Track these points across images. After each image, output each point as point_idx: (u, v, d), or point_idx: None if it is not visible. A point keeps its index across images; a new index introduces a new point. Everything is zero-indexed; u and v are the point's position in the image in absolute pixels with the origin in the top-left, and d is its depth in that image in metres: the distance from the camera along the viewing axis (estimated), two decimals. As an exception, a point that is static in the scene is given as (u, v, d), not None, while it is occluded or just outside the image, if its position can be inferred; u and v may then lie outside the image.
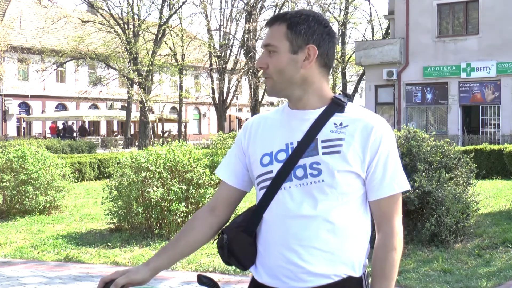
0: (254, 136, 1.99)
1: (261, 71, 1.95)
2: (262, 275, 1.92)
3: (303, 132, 1.88)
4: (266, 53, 1.90)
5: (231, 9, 33.65)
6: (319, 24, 1.89)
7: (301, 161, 1.86)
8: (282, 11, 32.18)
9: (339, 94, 1.96)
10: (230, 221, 2.04)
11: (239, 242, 1.94)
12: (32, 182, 9.85)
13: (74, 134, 36.61)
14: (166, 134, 39.01)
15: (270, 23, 1.93)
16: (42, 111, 42.87)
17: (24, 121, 41.93)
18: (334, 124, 1.87)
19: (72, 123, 39.85)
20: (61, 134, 38.01)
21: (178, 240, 2.00)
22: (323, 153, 1.84)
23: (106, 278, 1.89)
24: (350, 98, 1.96)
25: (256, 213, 1.93)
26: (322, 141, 1.86)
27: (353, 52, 33.57)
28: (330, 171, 1.83)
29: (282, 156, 1.89)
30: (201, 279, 1.94)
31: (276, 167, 1.89)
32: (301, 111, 1.91)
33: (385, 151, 1.86)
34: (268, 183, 1.90)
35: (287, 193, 1.86)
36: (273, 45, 1.88)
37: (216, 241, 2.01)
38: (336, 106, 1.90)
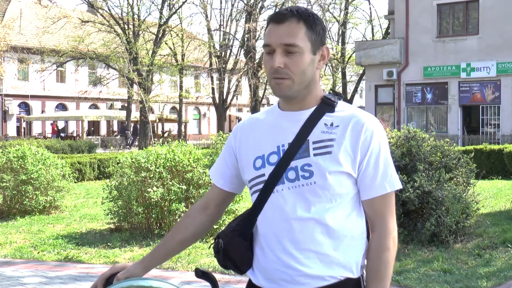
0: (246, 139, 1.97)
1: (270, 71, 1.84)
2: (259, 278, 1.92)
3: (294, 133, 1.86)
4: (282, 52, 1.82)
5: (231, 9, 33.64)
6: (323, 24, 1.89)
7: (293, 163, 1.84)
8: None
9: (329, 92, 1.94)
10: (225, 225, 2.06)
11: (235, 246, 1.94)
12: (32, 182, 9.85)
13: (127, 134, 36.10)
14: (166, 134, 38.99)
15: (283, 19, 1.83)
16: (42, 111, 42.89)
17: (24, 121, 41.94)
18: (325, 124, 1.86)
19: (123, 122, 39.41)
20: (60, 135, 38.05)
21: (172, 239, 2.02)
22: (314, 155, 1.83)
23: (106, 274, 1.94)
24: (340, 96, 1.94)
25: (250, 217, 1.93)
26: (313, 142, 1.84)
27: (353, 52, 33.56)
28: (322, 173, 1.81)
29: (274, 159, 1.87)
30: (198, 273, 1.96)
31: (268, 170, 1.87)
32: (292, 112, 1.90)
33: (376, 149, 1.84)
34: (261, 186, 1.88)
35: (280, 196, 1.85)
36: (297, 45, 1.81)
37: (212, 246, 2.01)
38: (326, 106, 1.89)
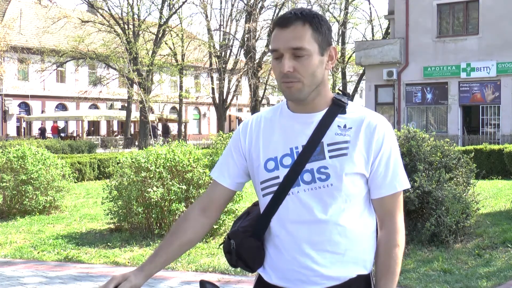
0: (256, 139, 1.96)
1: (280, 75, 1.83)
2: (272, 277, 1.93)
3: (308, 136, 1.87)
4: (291, 56, 1.82)
5: (231, 9, 33.66)
6: (328, 24, 1.90)
7: (308, 166, 1.85)
8: (282, 11, 32.26)
9: (338, 93, 1.95)
10: (232, 224, 2.05)
11: (247, 247, 1.94)
12: (32, 182, 9.85)
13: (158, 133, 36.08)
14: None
15: (288, 23, 1.82)
16: (42, 111, 42.89)
17: (24, 121, 41.94)
18: (338, 126, 1.87)
19: (152, 122, 39.53)
20: (60, 135, 38.05)
21: (170, 243, 1.97)
22: (330, 157, 1.84)
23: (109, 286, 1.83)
24: (349, 96, 1.96)
25: (264, 218, 1.93)
26: (328, 145, 1.85)
27: (353, 52, 33.57)
28: (338, 175, 1.83)
29: (288, 161, 1.87)
30: (204, 285, 1.94)
31: (282, 172, 1.87)
32: (303, 114, 1.90)
33: (387, 150, 1.88)
34: (274, 188, 1.89)
35: (296, 198, 1.86)
36: (305, 48, 1.81)
37: (222, 245, 2.01)
38: (337, 107, 1.90)
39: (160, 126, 38.75)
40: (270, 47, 1.88)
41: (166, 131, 36.70)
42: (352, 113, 1.90)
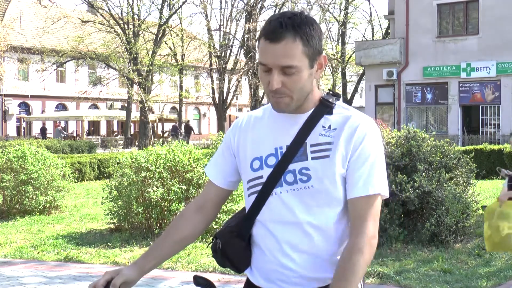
0: (244, 138, 1.95)
1: (268, 88, 1.78)
2: (258, 278, 1.93)
3: (292, 136, 1.84)
4: (280, 72, 1.75)
5: (231, 9, 33.63)
6: (319, 31, 1.80)
7: (291, 166, 1.83)
8: (282, 11, 32.18)
9: (327, 93, 1.91)
10: (223, 224, 2.06)
11: (233, 246, 1.95)
12: (32, 182, 9.85)
13: (179, 134, 36.07)
14: (166, 134, 39.01)
15: (279, 38, 1.72)
16: (42, 111, 42.89)
17: (24, 121, 41.94)
18: (323, 127, 1.84)
19: (174, 121, 39.70)
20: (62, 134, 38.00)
21: (166, 240, 1.99)
22: (312, 158, 1.81)
23: (101, 283, 1.84)
24: (338, 96, 1.91)
25: (248, 218, 1.92)
26: (311, 146, 1.82)
27: (353, 52, 33.57)
28: (319, 177, 1.80)
29: (272, 161, 1.86)
30: (197, 280, 1.96)
31: (266, 172, 1.86)
32: (290, 114, 1.86)
33: (366, 151, 1.80)
34: (259, 188, 1.88)
35: (279, 198, 1.84)
36: (295, 66, 1.74)
37: (210, 245, 2.01)
38: (324, 108, 1.86)
39: (182, 126, 39.04)
40: (258, 58, 1.80)
41: (188, 131, 37.23)
42: (338, 114, 1.86)
